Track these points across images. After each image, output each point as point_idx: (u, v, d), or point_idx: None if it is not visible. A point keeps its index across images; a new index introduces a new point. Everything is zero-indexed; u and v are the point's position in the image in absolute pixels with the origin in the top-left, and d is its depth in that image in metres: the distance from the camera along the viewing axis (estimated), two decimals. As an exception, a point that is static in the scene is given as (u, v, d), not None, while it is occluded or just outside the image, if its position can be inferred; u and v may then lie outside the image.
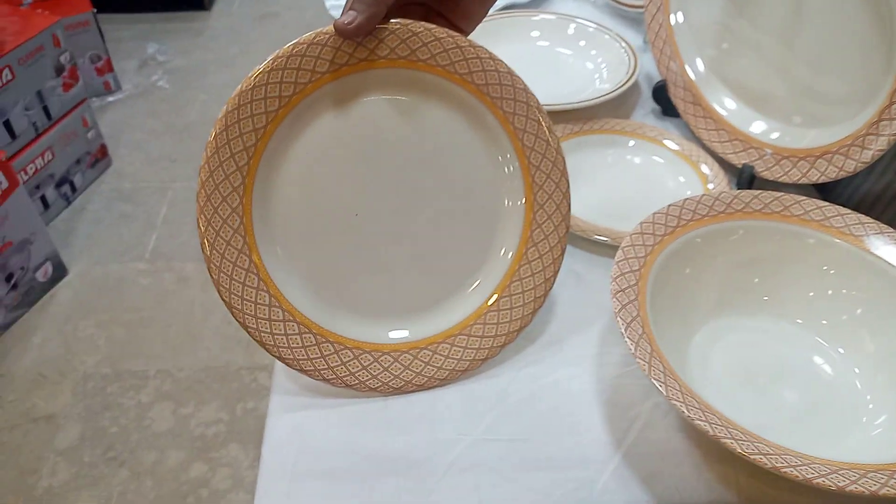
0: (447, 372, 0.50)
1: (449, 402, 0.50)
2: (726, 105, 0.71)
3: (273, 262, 0.48)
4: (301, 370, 0.48)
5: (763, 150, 0.67)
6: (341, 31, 0.44)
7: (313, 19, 2.41)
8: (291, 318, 0.48)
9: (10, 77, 1.54)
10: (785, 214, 0.54)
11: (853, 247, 0.52)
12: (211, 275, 0.46)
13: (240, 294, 0.47)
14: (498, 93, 0.48)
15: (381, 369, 0.49)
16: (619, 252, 0.51)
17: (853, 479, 0.38)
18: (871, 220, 0.53)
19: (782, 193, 0.55)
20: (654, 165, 0.71)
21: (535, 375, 0.52)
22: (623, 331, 0.45)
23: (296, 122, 0.47)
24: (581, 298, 0.57)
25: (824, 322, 0.53)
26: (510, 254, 0.51)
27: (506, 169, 0.50)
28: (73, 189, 1.80)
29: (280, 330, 0.48)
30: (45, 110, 1.66)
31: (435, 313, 0.51)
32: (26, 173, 1.62)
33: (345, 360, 0.49)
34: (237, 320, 0.47)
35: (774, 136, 0.68)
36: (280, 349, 0.48)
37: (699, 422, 0.40)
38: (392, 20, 0.46)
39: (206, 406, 1.37)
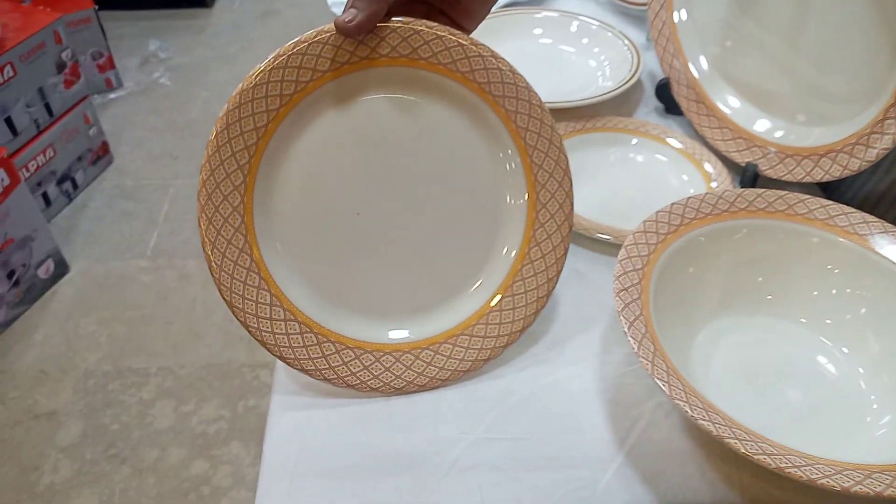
0: (449, 372, 0.50)
1: (451, 400, 0.50)
2: (730, 103, 0.71)
3: (274, 260, 0.48)
4: (302, 370, 0.48)
5: (767, 149, 0.67)
6: (342, 30, 0.44)
7: (315, 16, 2.40)
8: (293, 317, 0.48)
9: (11, 74, 1.54)
10: (789, 213, 0.54)
11: (858, 246, 0.52)
12: (212, 274, 0.46)
13: (241, 293, 0.47)
14: (500, 91, 0.48)
15: (383, 369, 0.49)
16: (623, 250, 0.50)
17: (858, 479, 0.38)
18: (876, 219, 0.53)
19: (786, 192, 0.55)
20: (657, 164, 0.70)
21: (538, 374, 0.52)
22: (626, 330, 0.45)
23: (297, 121, 0.47)
24: (583, 297, 0.57)
25: (828, 321, 0.52)
26: (513, 253, 0.51)
27: (507, 166, 0.50)
28: (75, 186, 1.80)
29: (281, 329, 0.47)
30: (47, 107, 1.66)
31: (437, 313, 0.51)
32: (28, 170, 1.62)
33: (346, 359, 0.49)
34: (238, 319, 0.47)
35: (778, 134, 0.67)
36: (281, 349, 0.47)
37: (703, 422, 0.40)
38: (394, 18, 0.46)
39: (208, 403, 1.37)
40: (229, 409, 1.36)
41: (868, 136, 0.59)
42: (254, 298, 0.47)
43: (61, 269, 1.60)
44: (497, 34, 0.83)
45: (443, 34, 0.46)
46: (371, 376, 0.49)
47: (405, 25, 0.46)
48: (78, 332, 1.49)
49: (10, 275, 1.46)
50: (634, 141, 0.72)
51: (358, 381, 0.49)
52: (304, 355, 0.48)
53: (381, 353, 0.50)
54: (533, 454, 0.47)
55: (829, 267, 0.53)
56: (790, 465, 0.39)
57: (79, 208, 1.78)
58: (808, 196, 0.55)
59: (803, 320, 0.53)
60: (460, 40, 0.46)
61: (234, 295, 0.46)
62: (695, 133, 0.72)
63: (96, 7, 1.98)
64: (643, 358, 0.43)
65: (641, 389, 0.51)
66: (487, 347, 0.51)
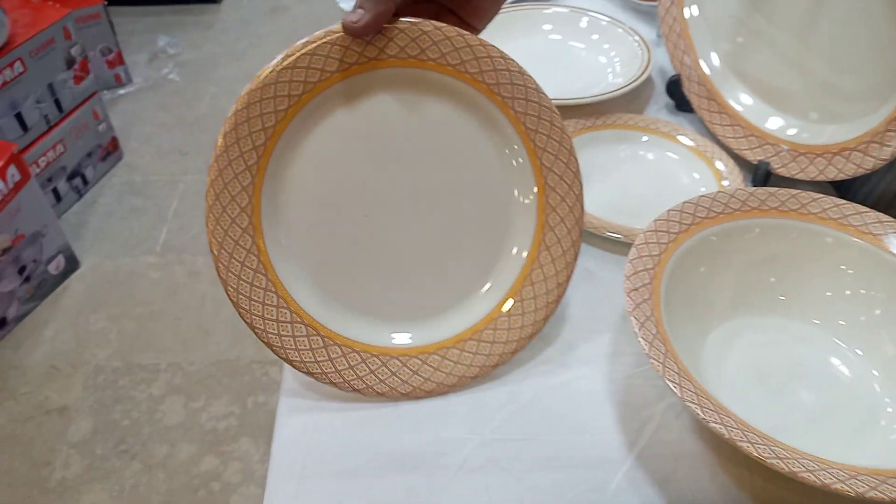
0: (456, 378, 0.50)
1: (459, 401, 0.50)
2: (742, 100, 0.70)
3: (281, 262, 0.48)
4: (308, 373, 0.48)
5: (779, 147, 0.66)
6: (349, 30, 0.44)
7: (323, 12, 2.40)
8: (299, 319, 0.48)
9: (21, 70, 1.54)
10: (802, 212, 0.53)
11: (872, 246, 0.51)
12: (219, 274, 0.46)
13: (248, 294, 0.46)
14: (509, 92, 0.47)
15: (389, 373, 0.49)
16: (633, 250, 0.50)
17: (872, 485, 0.38)
18: (891, 219, 0.52)
19: (799, 191, 0.54)
20: (668, 161, 0.70)
21: (546, 375, 0.52)
22: (636, 330, 0.45)
23: (305, 122, 0.46)
24: (593, 296, 0.57)
25: (842, 323, 0.52)
26: (523, 254, 0.51)
27: (514, 162, 0.49)
28: (85, 182, 1.80)
29: (287, 331, 0.47)
30: (57, 103, 1.66)
31: (445, 317, 0.51)
32: (38, 166, 1.62)
33: (352, 363, 0.48)
34: (245, 321, 0.47)
35: (791, 132, 0.67)
36: (287, 351, 0.47)
37: (714, 424, 0.40)
38: (402, 19, 0.45)
39: (217, 400, 1.37)
40: (239, 406, 1.36)
41: (883, 134, 0.58)
42: (260, 300, 0.47)
43: (72, 264, 1.60)
44: (506, 30, 0.83)
45: (451, 35, 0.46)
46: (377, 380, 0.49)
47: (413, 26, 0.45)
48: (88, 328, 1.50)
49: (21, 270, 1.46)
50: (645, 138, 0.71)
51: (364, 386, 0.48)
52: (311, 358, 0.48)
53: (388, 357, 0.49)
54: (542, 455, 0.47)
55: (843, 267, 0.52)
56: (803, 469, 0.38)
57: (89, 204, 1.79)
58: (822, 195, 0.54)
59: (816, 321, 0.53)
60: (469, 41, 0.46)
61: (240, 296, 0.46)
62: (706, 130, 0.72)
63: (105, 3, 1.98)
64: (654, 359, 0.43)
65: (652, 391, 0.50)
66: (496, 353, 0.50)
